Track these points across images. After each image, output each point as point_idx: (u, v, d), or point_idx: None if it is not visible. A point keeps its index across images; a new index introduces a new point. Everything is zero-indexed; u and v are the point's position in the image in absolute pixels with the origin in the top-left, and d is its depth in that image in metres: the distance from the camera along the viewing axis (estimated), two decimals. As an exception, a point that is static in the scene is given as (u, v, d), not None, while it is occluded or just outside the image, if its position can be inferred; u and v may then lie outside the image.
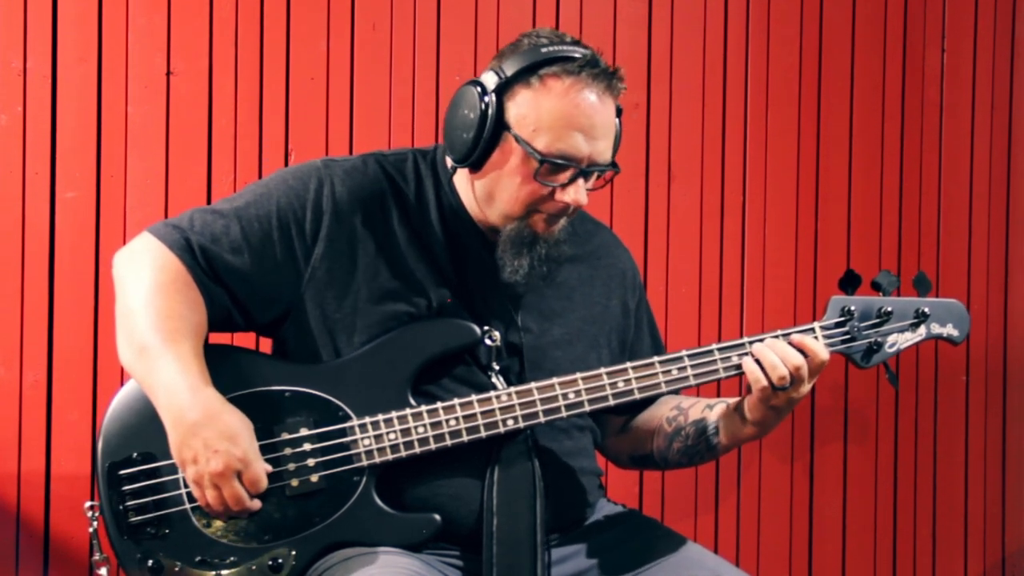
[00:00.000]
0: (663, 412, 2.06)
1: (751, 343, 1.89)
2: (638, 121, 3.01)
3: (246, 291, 1.87)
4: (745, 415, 1.92)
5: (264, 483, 1.76)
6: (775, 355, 1.85)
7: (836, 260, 3.16)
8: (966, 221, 3.29)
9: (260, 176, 2.65)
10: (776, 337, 1.89)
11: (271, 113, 2.73)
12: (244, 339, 2.11)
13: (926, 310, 1.99)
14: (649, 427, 2.08)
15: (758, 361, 1.86)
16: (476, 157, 1.84)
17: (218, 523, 1.79)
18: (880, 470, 3.22)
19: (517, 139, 1.82)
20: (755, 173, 3.11)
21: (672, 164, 3.04)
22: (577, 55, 1.82)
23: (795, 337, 1.88)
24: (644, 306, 2.15)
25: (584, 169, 1.84)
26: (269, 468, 1.78)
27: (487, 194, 1.88)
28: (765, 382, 1.84)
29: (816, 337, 1.93)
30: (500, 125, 1.83)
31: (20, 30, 2.59)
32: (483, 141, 1.83)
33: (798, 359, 1.85)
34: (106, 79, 2.64)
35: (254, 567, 1.79)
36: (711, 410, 2.00)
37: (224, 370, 1.81)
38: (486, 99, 1.83)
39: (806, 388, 1.87)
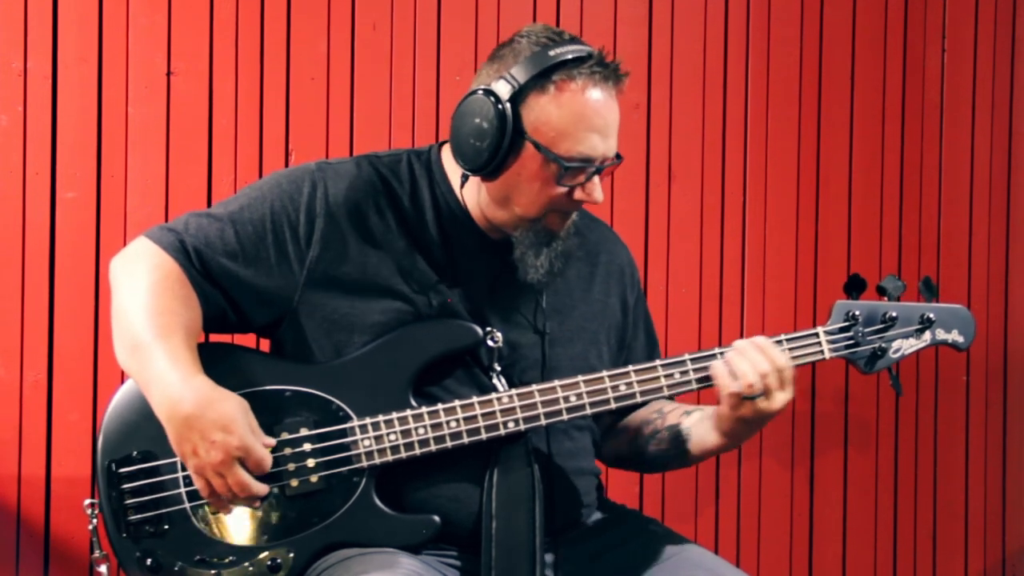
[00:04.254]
0: (645, 414, 2.05)
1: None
2: (638, 121, 3.01)
3: (241, 293, 1.87)
4: (714, 425, 1.89)
5: (268, 463, 1.76)
6: (746, 361, 1.82)
7: (836, 260, 3.16)
8: (966, 221, 3.29)
9: (260, 176, 2.64)
10: (778, 342, 1.88)
11: (271, 113, 2.73)
12: (244, 339, 2.11)
13: (931, 316, 1.95)
14: (631, 428, 2.07)
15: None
16: (494, 166, 1.84)
17: (217, 523, 1.79)
18: (880, 470, 3.22)
19: (537, 146, 1.81)
20: (755, 173, 3.10)
21: (672, 164, 3.04)
22: (584, 55, 1.82)
23: (758, 340, 1.85)
24: (642, 302, 2.14)
25: (599, 167, 1.84)
26: (271, 442, 1.77)
27: (503, 198, 1.87)
28: (733, 388, 1.82)
29: (819, 342, 1.92)
30: (517, 133, 1.82)
31: (20, 30, 2.59)
32: (502, 150, 1.81)
33: (765, 366, 1.81)
34: (106, 79, 2.64)
35: (253, 567, 1.79)
36: (688, 416, 1.98)
37: (224, 369, 1.80)
38: (501, 108, 1.81)
39: (778, 401, 1.82)
